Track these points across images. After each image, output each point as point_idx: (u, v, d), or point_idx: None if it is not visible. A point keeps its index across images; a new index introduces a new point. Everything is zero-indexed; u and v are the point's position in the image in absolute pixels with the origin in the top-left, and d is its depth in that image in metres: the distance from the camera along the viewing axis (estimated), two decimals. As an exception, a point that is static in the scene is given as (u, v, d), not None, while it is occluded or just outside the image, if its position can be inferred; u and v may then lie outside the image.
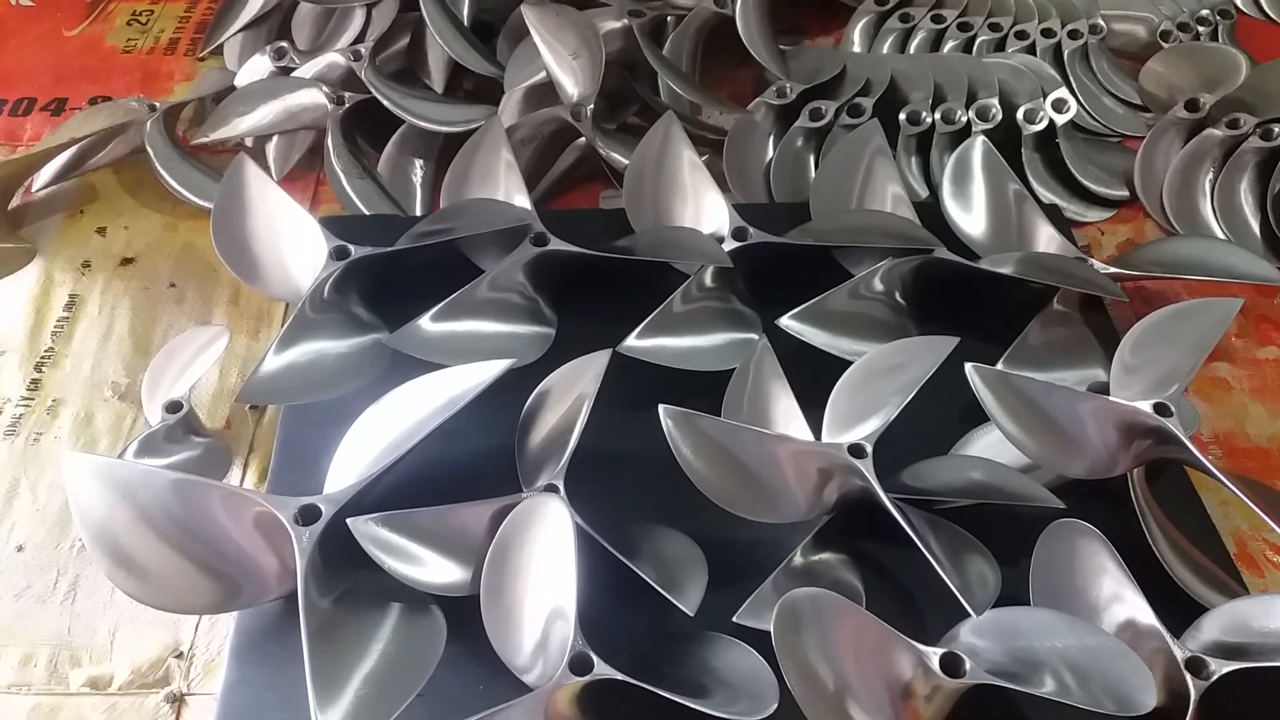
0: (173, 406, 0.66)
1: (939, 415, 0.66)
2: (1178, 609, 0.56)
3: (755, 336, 0.70)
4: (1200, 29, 1.01)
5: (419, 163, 0.88)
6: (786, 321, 0.69)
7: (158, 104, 0.89)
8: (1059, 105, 0.87)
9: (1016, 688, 0.49)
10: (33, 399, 0.74)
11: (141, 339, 0.78)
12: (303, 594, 0.52)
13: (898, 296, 0.73)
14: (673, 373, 0.67)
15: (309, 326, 0.67)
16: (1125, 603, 0.55)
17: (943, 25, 1.00)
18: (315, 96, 0.86)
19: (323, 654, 0.50)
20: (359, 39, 0.91)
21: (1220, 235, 0.86)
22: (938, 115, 0.87)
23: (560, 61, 0.84)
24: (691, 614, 0.54)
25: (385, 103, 0.86)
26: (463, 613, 0.55)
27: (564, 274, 0.74)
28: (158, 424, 0.66)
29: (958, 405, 0.65)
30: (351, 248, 0.70)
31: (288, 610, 0.57)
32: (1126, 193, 0.89)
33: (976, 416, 0.64)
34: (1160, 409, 0.60)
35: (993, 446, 0.65)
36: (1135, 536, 0.60)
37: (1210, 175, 0.87)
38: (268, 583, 0.56)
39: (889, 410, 0.60)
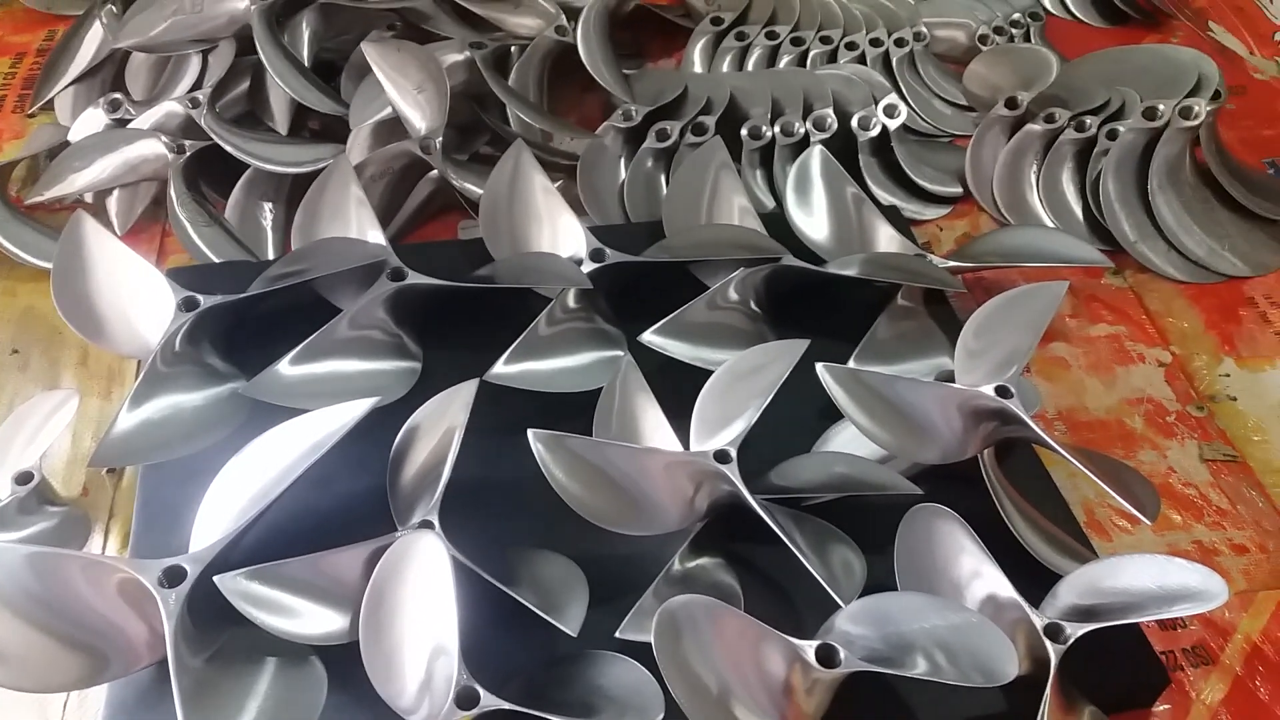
0: (23, 478, 0.64)
1: (799, 415, 0.69)
2: (1035, 579, 0.59)
3: (621, 354, 0.71)
4: (1014, 31, 1.08)
5: (268, 206, 0.87)
6: (648, 337, 0.70)
7: (-16, 165, 0.85)
8: (890, 111, 0.91)
9: (891, 671, 0.51)
10: None
11: (-15, 410, 0.74)
12: (173, 657, 0.51)
13: (752, 305, 0.75)
14: (543, 396, 0.68)
15: (161, 381, 0.65)
16: (985, 578, 0.58)
17: (776, 41, 1.04)
18: (154, 147, 0.84)
19: (198, 718, 0.49)
20: (196, 85, 0.89)
21: (1048, 223, 0.91)
22: (777, 129, 0.90)
23: (405, 96, 0.84)
24: (574, 635, 0.55)
25: (227, 148, 0.84)
26: (343, 660, 0.54)
27: (426, 307, 0.74)
28: (8, 497, 0.63)
29: (816, 404, 0.67)
30: (200, 297, 0.68)
31: (159, 676, 0.55)
32: (960, 189, 0.94)
33: (835, 414, 0.67)
34: (1001, 391, 0.63)
35: (851, 441, 0.68)
36: (991, 514, 0.63)
37: (1034, 167, 0.93)
38: (138, 651, 0.54)
39: (750, 414, 0.62)
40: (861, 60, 1.02)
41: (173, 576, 0.54)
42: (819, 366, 0.62)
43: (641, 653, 0.54)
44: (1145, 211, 0.89)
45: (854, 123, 0.91)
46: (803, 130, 0.90)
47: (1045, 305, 0.69)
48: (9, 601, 0.53)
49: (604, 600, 0.59)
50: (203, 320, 0.68)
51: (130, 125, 0.87)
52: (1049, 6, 1.14)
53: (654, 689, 0.52)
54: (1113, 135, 0.90)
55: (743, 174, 0.88)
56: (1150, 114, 0.89)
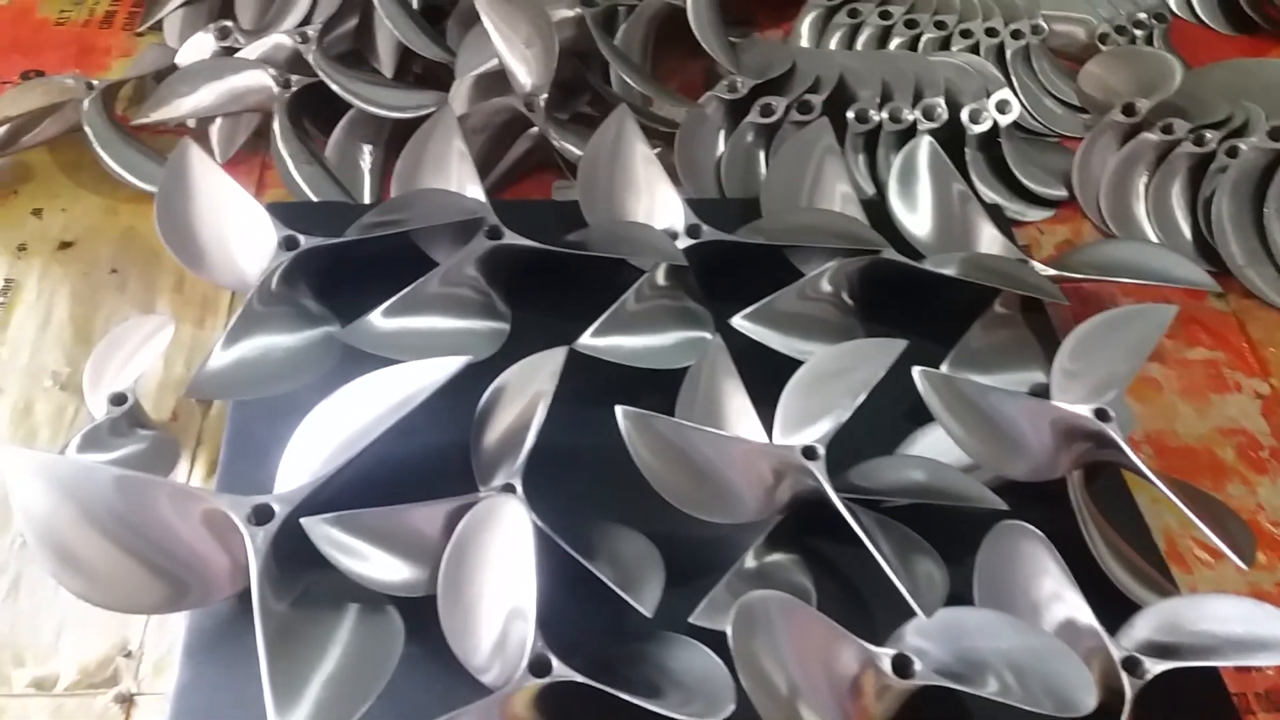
0: (117, 399, 0.65)
1: (884, 415, 0.67)
2: (1112, 607, 0.58)
3: (708, 335, 0.71)
4: (1137, 33, 1.04)
5: (368, 148, 0.87)
6: (739, 321, 0.69)
7: (95, 82, 0.86)
8: (1002, 106, 0.88)
9: (964, 689, 0.50)
10: (-33, 388, 0.72)
11: (82, 326, 0.76)
12: (257, 597, 0.51)
13: (845, 296, 0.74)
14: (627, 368, 0.68)
15: (257, 320, 0.66)
16: (1065, 602, 0.57)
17: (890, 22, 1.01)
18: (261, 79, 0.84)
19: (280, 660, 0.50)
20: (306, 20, 0.89)
21: (1153, 237, 0.88)
22: (885, 114, 0.88)
23: (513, 50, 0.83)
24: (649, 615, 0.55)
25: (334, 87, 0.84)
26: (418, 614, 0.55)
27: (517, 267, 0.74)
28: (102, 417, 0.64)
29: (903, 405, 0.67)
30: (301, 237, 0.69)
31: (240, 609, 0.56)
32: (1065, 193, 0.91)
33: (921, 416, 0.66)
34: (1100, 414, 0.62)
35: (936, 445, 0.67)
36: (1071, 535, 0.62)
37: (1145, 178, 0.90)
38: (218, 582, 0.56)
39: (840, 412, 0.61)
40: (975, 49, 0.99)
41: (261, 515, 0.55)
42: (916, 371, 0.61)
43: (711, 641, 0.55)
44: (1258, 235, 0.86)
45: (964, 115, 0.88)
46: (911, 118, 0.88)
47: (1150, 330, 0.68)
48: (97, 521, 0.54)
49: (677, 582, 0.59)
50: (301, 261, 0.68)
51: (238, 54, 0.88)
52: (1175, 9, 1.10)
53: (725, 678, 0.52)
54: (1232, 153, 0.87)
55: (844, 158, 0.86)
56: (1276, 134, 0.86)
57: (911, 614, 0.55)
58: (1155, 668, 0.54)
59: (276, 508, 0.55)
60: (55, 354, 0.74)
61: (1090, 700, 0.50)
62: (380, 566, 0.56)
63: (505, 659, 0.52)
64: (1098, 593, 0.58)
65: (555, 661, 0.51)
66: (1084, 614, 0.56)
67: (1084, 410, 0.62)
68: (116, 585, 0.54)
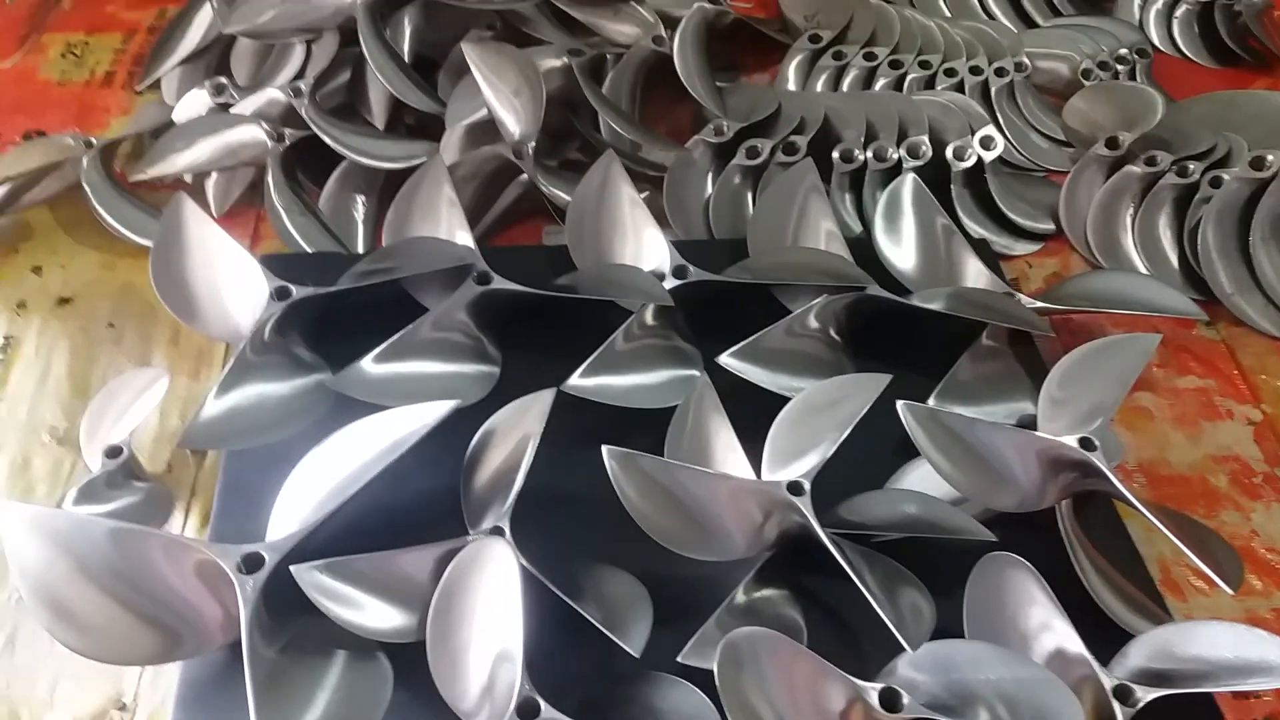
0: (113, 451, 0.66)
1: (874, 450, 0.67)
2: (1106, 636, 0.58)
3: (697, 373, 0.72)
4: (1119, 67, 1.05)
5: (361, 199, 0.89)
6: (726, 359, 0.70)
7: (94, 140, 0.88)
8: (986, 142, 0.89)
9: (952, 721, 0.50)
10: (-34, 443, 0.72)
11: (80, 381, 0.77)
12: (247, 644, 0.52)
13: (833, 333, 0.75)
14: (617, 409, 0.68)
15: (250, 369, 0.67)
16: (1055, 632, 0.57)
17: (874, 63, 1.03)
18: (255, 133, 0.86)
19: (269, 706, 0.50)
20: (299, 75, 0.91)
21: (1141, 268, 0.89)
22: (870, 153, 0.90)
23: (501, 99, 0.85)
24: (637, 655, 0.55)
25: (326, 139, 0.86)
26: (408, 659, 0.55)
27: (507, 311, 0.75)
28: (98, 470, 0.65)
29: (891, 440, 0.67)
30: (293, 288, 0.70)
31: (233, 659, 0.57)
32: (1053, 226, 0.92)
33: (910, 450, 0.66)
34: (1085, 443, 0.62)
35: (925, 480, 0.67)
36: (1063, 565, 0.62)
37: (1131, 210, 0.91)
38: (211, 632, 0.56)
39: (825, 447, 0.61)
40: (960, 88, 1.01)
41: (251, 563, 0.55)
42: (900, 405, 0.61)
43: (702, 680, 0.55)
44: (1245, 263, 0.86)
45: (949, 152, 0.89)
46: (896, 156, 0.89)
47: (1135, 358, 0.68)
48: (92, 574, 0.55)
49: (665, 621, 0.59)
50: (293, 310, 0.69)
51: (233, 109, 0.90)
52: (1157, 43, 1.11)
53: (713, 717, 0.52)
54: (1216, 183, 0.88)
55: (831, 197, 0.87)
56: (1258, 164, 0.86)
57: (902, 647, 0.55)
58: (1146, 695, 0.54)
59: (266, 556, 0.55)
60: (53, 409, 0.75)
61: (1078, 731, 0.50)
62: (370, 613, 0.56)
63: (494, 703, 0.52)
64: (1092, 623, 0.58)
65: (543, 705, 0.51)
66: (1073, 643, 0.56)
67: (1069, 440, 0.62)
68: (111, 637, 0.55)
